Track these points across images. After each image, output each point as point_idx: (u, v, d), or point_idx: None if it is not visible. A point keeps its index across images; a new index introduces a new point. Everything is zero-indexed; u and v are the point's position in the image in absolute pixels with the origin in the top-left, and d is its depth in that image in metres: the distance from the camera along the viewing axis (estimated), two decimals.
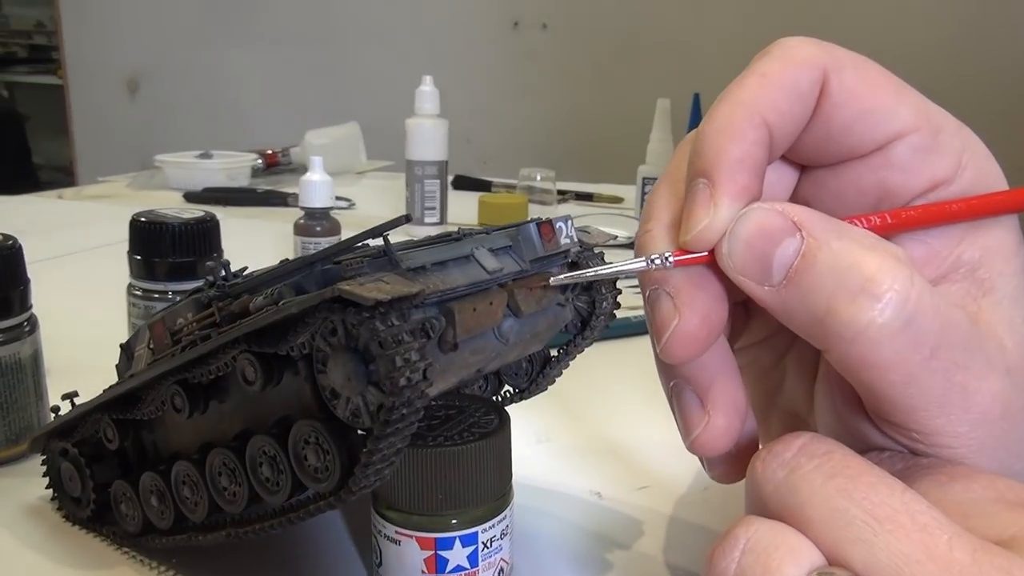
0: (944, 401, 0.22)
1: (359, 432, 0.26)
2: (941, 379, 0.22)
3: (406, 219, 0.25)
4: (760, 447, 0.24)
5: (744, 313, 0.30)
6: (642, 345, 0.64)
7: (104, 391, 0.34)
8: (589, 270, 0.26)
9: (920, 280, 0.22)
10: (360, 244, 0.26)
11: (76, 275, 0.84)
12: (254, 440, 0.29)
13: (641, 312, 0.70)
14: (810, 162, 0.27)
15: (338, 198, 1.24)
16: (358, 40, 2.14)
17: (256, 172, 1.43)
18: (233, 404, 0.32)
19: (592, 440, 0.49)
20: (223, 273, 0.31)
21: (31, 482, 0.40)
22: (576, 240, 0.31)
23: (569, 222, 0.31)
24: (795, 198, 0.28)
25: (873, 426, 0.24)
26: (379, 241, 0.26)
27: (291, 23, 2.21)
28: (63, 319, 0.53)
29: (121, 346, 0.36)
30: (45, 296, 0.56)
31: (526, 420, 0.50)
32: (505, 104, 1.99)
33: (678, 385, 0.26)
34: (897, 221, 0.25)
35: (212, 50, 2.31)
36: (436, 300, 0.26)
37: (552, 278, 0.27)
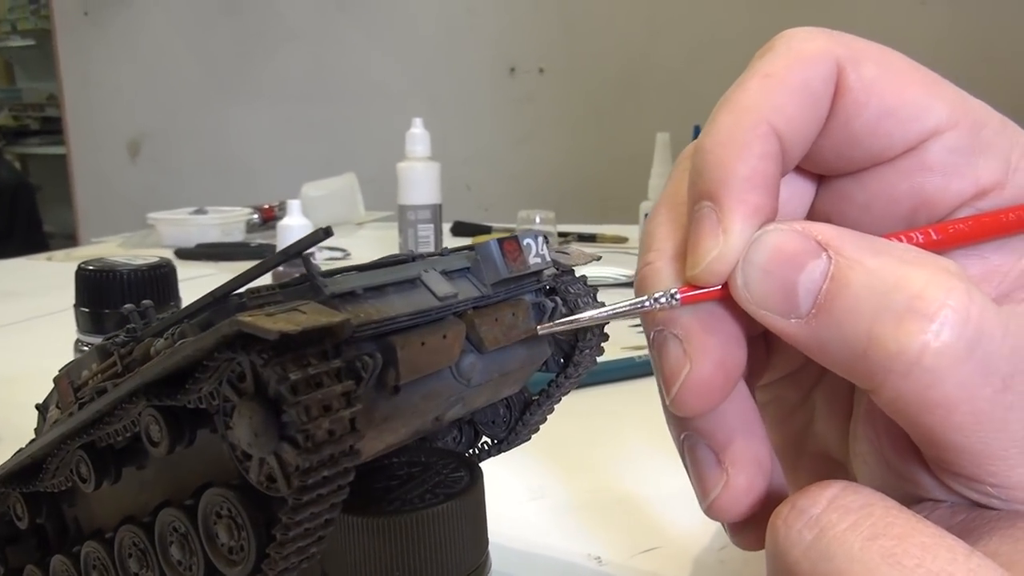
0: None
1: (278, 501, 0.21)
2: (1021, 417, 0.18)
3: (325, 233, 0.20)
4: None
5: (764, 347, 0.25)
6: (648, 387, 0.58)
7: (7, 461, 0.29)
8: (584, 314, 0.22)
9: (980, 295, 0.18)
10: (282, 267, 0.21)
11: (46, 336, 0.80)
12: (162, 514, 0.24)
13: (646, 351, 0.65)
14: (829, 171, 0.23)
15: (333, 248, 1.21)
16: (356, 93, 2.14)
17: (253, 227, 1.40)
18: (153, 471, 0.27)
19: (591, 496, 0.43)
20: (141, 318, 0.27)
21: None
22: (549, 260, 0.26)
23: (539, 239, 0.26)
24: (813, 215, 0.24)
25: (933, 477, 0.20)
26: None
27: (289, 80, 2.22)
28: (23, 383, 0.49)
29: (37, 407, 0.31)
30: (9, 360, 0.52)
31: (517, 474, 0.44)
32: (505, 149, 1.97)
33: (690, 439, 0.22)
34: (944, 237, 0.21)
35: (212, 110, 2.32)
36: (372, 333, 0.21)
37: (539, 327, 0.22)
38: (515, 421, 0.32)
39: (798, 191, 0.24)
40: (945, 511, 0.20)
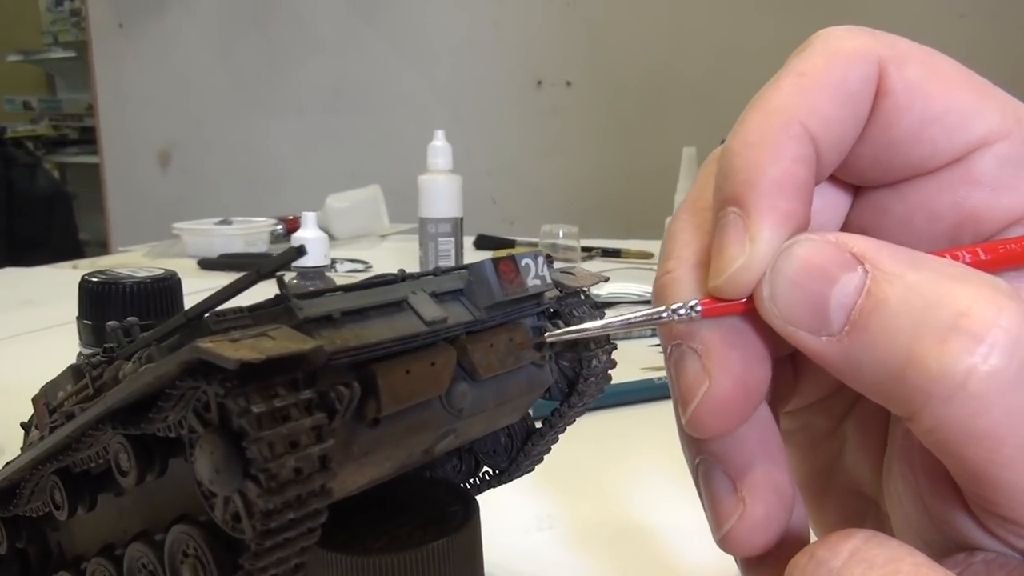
0: None
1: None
2: None
3: (298, 252, 0.19)
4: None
5: (792, 369, 0.23)
6: (667, 411, 0.56)
7: None
8: (595, 323, 0.20)
9: None
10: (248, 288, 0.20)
11: (58, 346, 0.80)
12: (130, 549, 0.22)
13: (664, 372, 0.63)
14: (866, 181, 0.21)
15: (354, 260, 1.21)
16: (382, 105, 2.14)
17: (277, 238, 1.40)
18: (130, 499, 0.25)
19: (602, 526, 0.41)
20: (125, 335, 0.25)
21: None
22: (550, 281, 0.25)
23: (539, 259, 0.24)
24: (848, 228, 0.22)
25: (975, 522, 0.18)
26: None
27: (316, 92, 2.23)
28: (29, 396, 0.48)
29: (22, 425, 0.30)
30: (18, 370, 0.51)
31: (524, 504, 0.42)
32: (531, 162, 1.96)
33: (706, 463, 0.20)
34: (994, 257, 0.19)
35: (240, 121, 2.34)
36: (350, 361, 0.20)
37: (548, 335, 0.21)
38: (516, 451, 0.30)
39: (832, 202, 0.22)
40: (982, 566, 0.18)
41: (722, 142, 0.22)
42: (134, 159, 2.56)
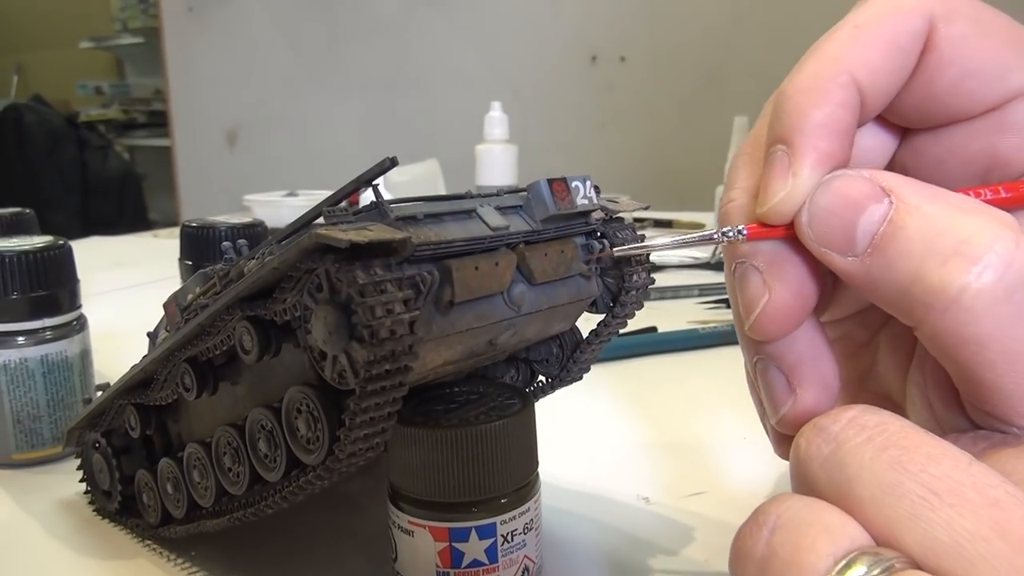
0: None
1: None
2: None
3: (391, 162, 0.23)
4: None
5: (833, 284, 0.26)
6: (710, 358, 0.60)
7: (122, 376, 0.33)
8: (656, 240, 0.24)
9: None
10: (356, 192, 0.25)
11: (149, 300, 0.87)
12: (252, 413, 0.27)
13: (709, 323, 0.66)
14: (910, 124, 0.24)
15: None
16: (440, 83, 2.19)
17: None
18: (245, 387, 0.30)
19: (644, 444, 0.45)
20: (237, 254, 0.30)
21: (70, 478, 0.40)
22: (595, 203, 0.29)
23: (587, 182, 0.29)
24: (892, 166, 0.25)
25: (969, 421, 0.21)
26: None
27: (375, 71, 2.29)
28: (128, 339, 0.55)
29: (148, 334, 0.36)
30: (116, 319, 0.58)
31: (572, 425, 0.47)
32: (586, 138, 1.99)
33: (763, 362, 0.23)
34: (1014, 195, 0.21)
35: (302, 99, 2.42)
36: (431, 255, 0.24)
37: (615, 248, 0.25)
38: (567, 359, 0.34)
39: (880, 142, 0.24)
40: (968, 439, 0.21)
41: None
42: (203, 139, 2.66)
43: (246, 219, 0.50)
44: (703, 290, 0.79)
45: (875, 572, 0.17)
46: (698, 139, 1.81)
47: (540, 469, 0.31)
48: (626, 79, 1.92)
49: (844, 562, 0.17)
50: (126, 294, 0.84)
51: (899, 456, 0.17)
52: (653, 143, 1.92)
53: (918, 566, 0.17)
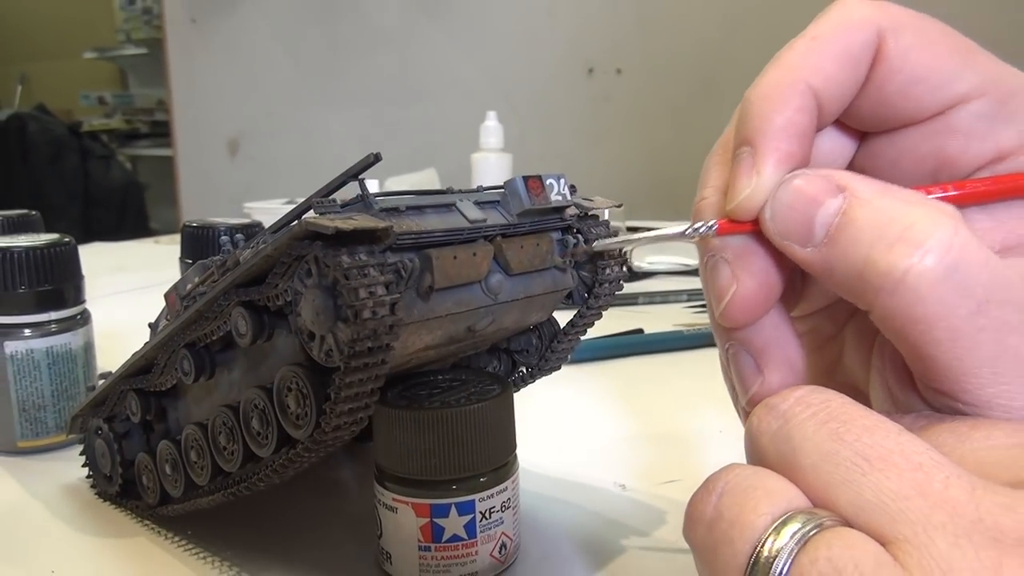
0: (996, 366, 0.20)
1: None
2: (991, 339, 0.20)
3: (375, 158, 0.25)
4: None
5: (802, 281, 0.28)
6: (692, 358, 0.62)
7: (125, 362, 0.35)
8: (634, 236, 0.26)
9: (968, 232, 0.20)
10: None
11: (149, 303, 0.89)
12: (246, 393, 0.29)
13: (694, 326, 0.68)
14: (866, 128, 0.26)
15: None
16: (438, 94, 2.22)
17: None
18: (240, 372, 0.32)
19: (622, 435, 0.47)
20: (234, 247, 0.32)
21: (73, 464, 0.42)
22: (569, 199, 0.31)
23: (562, 180, 0.31)
24: (852, 168, 0.27)
25: (923, 401, 0.23)
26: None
27: (375, 82, 2.32)
28: (130, 338, 0.56)
29: (149, 325, 0.38)
30: (119, 320, 0.60)
31: (553, 414, 0.49)
32: (583, 148, 2.01)
33: (733, 347, 0.25)
34: (962, 193, 0.23)
35: (303, 110, 2.45)
36: (412, 244, 0.26)
37: (596, 242, 0.27)
38: (546, 349, 0.36)
39: (840, 145, 0.26)
40: (912, 418, 0.23)
41: None
42: (205, 149, 2.69)
43: (245, 220, 0.52)
44: (691, 295, 0.81)
45: (807, 528, 0.19)
46: (693, 148, 1.82)
47: (523, 458, 0.33)
48: (622, 90, 1.95)
49: (781, 519, 0.19)
50: (128, 296, 0.86)
51: (837, 428, 0.19)
52: (649, 153, 1.94)
53: (849, 525, 0.18)
